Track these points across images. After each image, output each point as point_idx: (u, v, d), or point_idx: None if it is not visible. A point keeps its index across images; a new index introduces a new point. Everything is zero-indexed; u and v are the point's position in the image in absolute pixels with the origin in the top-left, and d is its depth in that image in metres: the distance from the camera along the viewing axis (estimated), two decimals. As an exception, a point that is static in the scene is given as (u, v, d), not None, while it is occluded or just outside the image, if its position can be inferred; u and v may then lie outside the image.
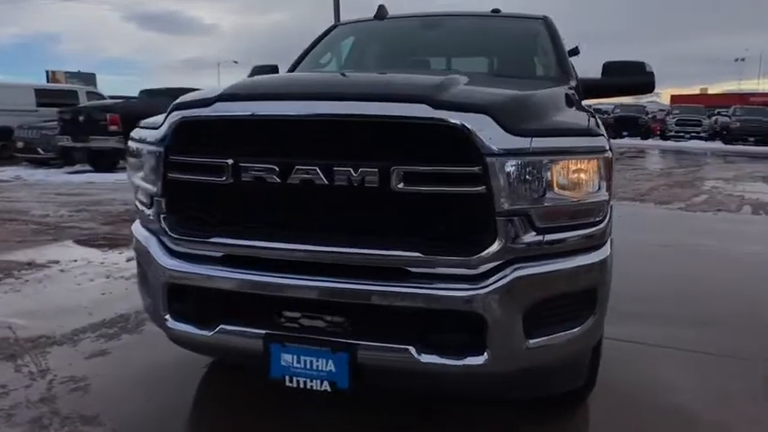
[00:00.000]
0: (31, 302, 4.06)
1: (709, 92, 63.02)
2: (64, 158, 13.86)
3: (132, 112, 12.52)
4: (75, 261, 5.15)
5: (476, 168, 1.77)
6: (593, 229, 1.98)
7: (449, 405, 2.62)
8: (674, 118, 30.99)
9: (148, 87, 15.10)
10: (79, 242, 5.98)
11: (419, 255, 1.82)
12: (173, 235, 2.10)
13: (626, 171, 13.92)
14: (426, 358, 1.86)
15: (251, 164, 1.92)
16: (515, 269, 1.85)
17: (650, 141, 29.46)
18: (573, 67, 3.40)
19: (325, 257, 1.92)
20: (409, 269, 1.87)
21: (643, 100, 40.54)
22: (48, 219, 7.28)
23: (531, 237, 1.85)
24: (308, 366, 1.93)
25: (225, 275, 2.02)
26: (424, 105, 1.81)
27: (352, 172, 1.81)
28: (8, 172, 12.90)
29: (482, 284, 1.83)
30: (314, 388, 1.94)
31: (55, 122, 13.48)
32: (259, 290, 1.99)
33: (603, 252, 2.03)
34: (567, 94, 2.55)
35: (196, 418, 2.64)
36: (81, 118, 12.95)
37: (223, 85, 2.28)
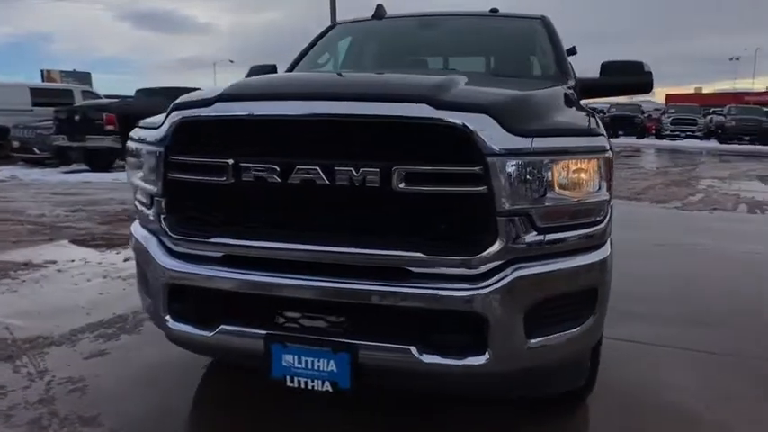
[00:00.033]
0: (28, 303, 4.04)
1: (704, 91, 63.26)
2: (60, 158, 13.80)
3: (128, 111, 12.50)
4: (73, 261, 5.13)
5: (477, 168, 1.77)
6: (594, 228, 1.98)
7: (449, 405, 2.62)
8: (669, 117, 31.11)
9: (144, 86, 15.05)
10: (76, 242, 5.95)
11: (420, 255, 1.82)
12: (173, 235, 2.10)
13: (622, 170, 13.95)
14: (428, 358, 1.86)
15: (252, 164, 1.91)
16: (516, 269, 1.85)
17: (646, 140, 29.54)
18: (571, 67, 3.40)
19: (326, 257, 1.92)
20: (410, 269, 1.87)
21: (638, 99, 40.68)
22: (44, 219, 7.25)
23: (531, 237, 1.85)
24: (310, 366, 1.93)
25: (225, 276, 2.01)
26: (425, 105, 1.81)
27: (354, 172, 1.81)
28: (4, 172, 12.82)
29: (483, 284, 1.83)
30: (315, 388, 1.94)
31: (51, 122, 13.41)
32: (260, 290, 1.98)
33: (604, 252, 2.03)
34: (566, 94, 2.56)
35: (195, 419, 2.63)
36: (77, 117, 12.89)
37: (222, 85, 2.27)
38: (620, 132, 30.22)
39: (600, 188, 1.94)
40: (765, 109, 30.86)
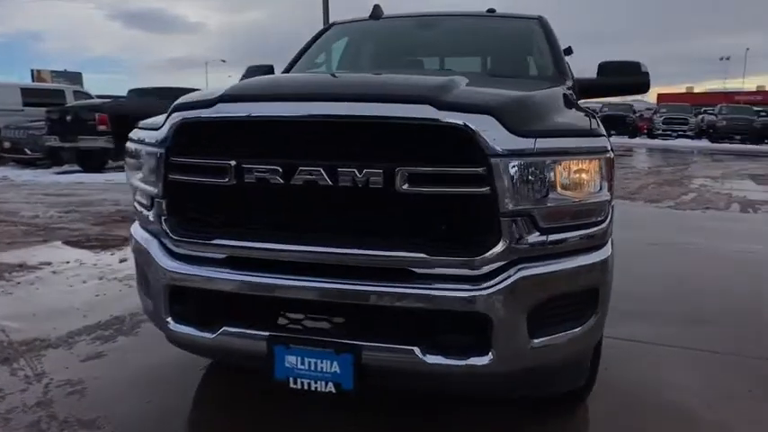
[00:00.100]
0: (23, 305, 4.01)
1: (695, 90, 63.64)
2: (52, 159, 13.69)
3: (121, 111, 12.47)
4: (68, 263, 5.09)
5: (480, 169, 1.78)
6: (596, 228, 1.99)
7: (453, 405, 2.62)
8: (661, 117, 31.31)
9: (135, 86, 14.99)
10: (70, 243, 5.91)
11: (423, 256, 1.82)
12: (174, 237, 2.08)
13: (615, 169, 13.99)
14: (431, 359, 1.86)
15: (254, 165, 1.91)
16: (519, 269, 1.86)
17: (638, 140, 29.74)
18: (569, 67, 3.41)
19: (329, 259, 1.91)
20: (413, 270, 1.87)
21: (630, 98, 40.86)
22: (37, 220, 7.19)
23: (534, 237, 1.86)
24: (313, 368, 1.93)
25: (228, 277, 2.00)
26: (428, 106, 1.81)
27: (357, 173, 1.81)
28: (-5, 172, 12.74)
29: (486, 285, 1.83)
30: (318, 389, 1.94)
31: (42, 122, 13.31)
32: (262, 291, 1.98)
33: (605, 252, 2.04)
34: (565, 95, 2.57)
35: (195, 420, 2.62)
36: (69, 118, 12.80)
37: (220, 85, 2.26)
38: (612, 132, 30.31)
39: (601, 188, 1.95)
40: (756, 108, 31.14)
